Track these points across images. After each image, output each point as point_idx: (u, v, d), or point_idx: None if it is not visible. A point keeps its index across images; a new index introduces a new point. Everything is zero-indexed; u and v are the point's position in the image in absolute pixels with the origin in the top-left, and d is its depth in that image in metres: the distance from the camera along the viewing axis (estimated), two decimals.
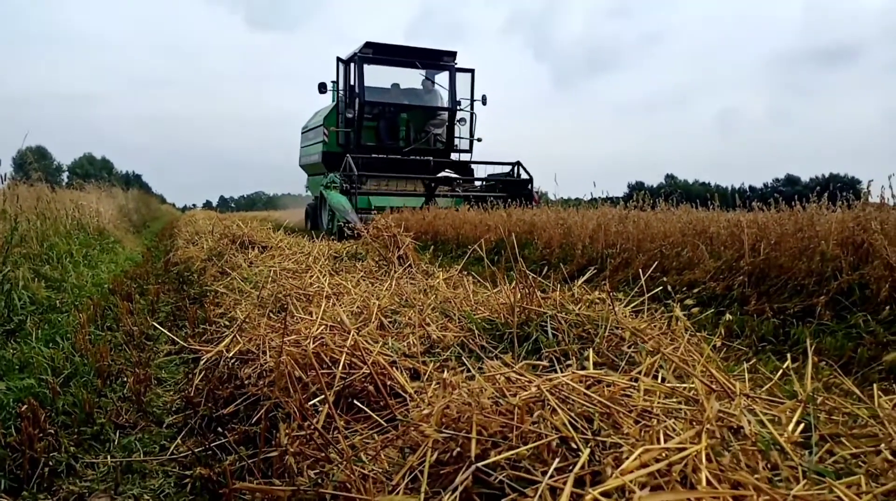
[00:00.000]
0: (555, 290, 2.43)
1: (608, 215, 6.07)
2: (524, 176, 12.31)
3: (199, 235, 7.89)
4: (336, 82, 13.66)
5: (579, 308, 2.24)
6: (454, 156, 13.82)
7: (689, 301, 2.17)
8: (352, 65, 13.00)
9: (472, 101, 13.61)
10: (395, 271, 3.60)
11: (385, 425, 1.67)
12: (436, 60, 13.36)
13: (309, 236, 5.73)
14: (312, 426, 1.44)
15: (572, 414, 1.30)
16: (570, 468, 1.14)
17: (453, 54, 13.30)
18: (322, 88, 13.60)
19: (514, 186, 12.31)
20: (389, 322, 2.43)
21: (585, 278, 2.74)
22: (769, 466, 1.17)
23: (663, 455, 1.11)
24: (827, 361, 2.95)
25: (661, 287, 2.78)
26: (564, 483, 1.09)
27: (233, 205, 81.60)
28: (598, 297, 2.33)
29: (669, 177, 62.43)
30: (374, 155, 12.70)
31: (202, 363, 2.46)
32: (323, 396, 1.58)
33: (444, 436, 1.18)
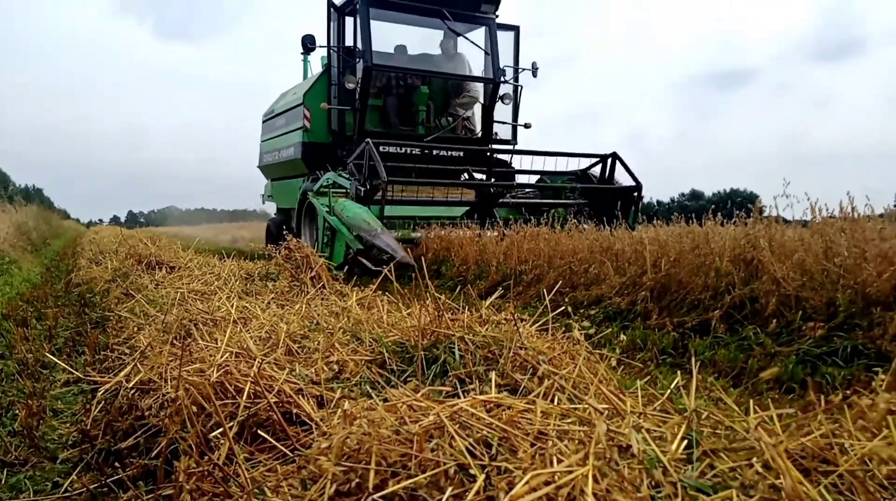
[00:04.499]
0: (464, 311, 2.48)
1: (520, 232, 6.21)
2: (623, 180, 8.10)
3: (104, 254, 7.56)
4: (326, 45, 9.06)
5: (486, 330, 2.29)
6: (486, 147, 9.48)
7: (585, 323, 2.26)
8: (347, 17, 8.87)
9: (518, 70, 9.44)
10: (308, 293, 3.57)
11: (290, 455, 1.66)
12: (471, 10, 9.02)
13: (219, 256, 5.58)
14: (212, 461, 1.42)
15: (471, 441, 1.33)
16: (466, 494, 1.17)
17: (496, 2, 8.99)
18: (308, 42, 9.14)
19: (603, 196, 7.97)
20: (298, 348, 2.41)
21: (494, 297, 2.81)
22: (653, 484, 1.24)
23: (553, 478, 1.15)
24: (720, 373, 3.13)
25: (569, 303, 2.88)
26: None
27: (142, 220, 78.28)
28: (504, 318, 2.39)
29: None
30: (382, 144, 7.86)
31: (100, 393, 2.37)
32: (223, 428, 1.56)
33: (342, 469, 1.19)
